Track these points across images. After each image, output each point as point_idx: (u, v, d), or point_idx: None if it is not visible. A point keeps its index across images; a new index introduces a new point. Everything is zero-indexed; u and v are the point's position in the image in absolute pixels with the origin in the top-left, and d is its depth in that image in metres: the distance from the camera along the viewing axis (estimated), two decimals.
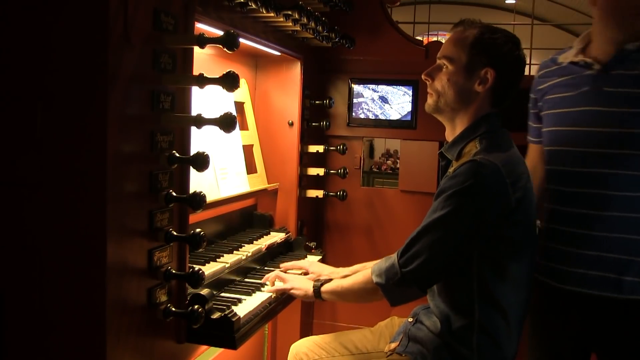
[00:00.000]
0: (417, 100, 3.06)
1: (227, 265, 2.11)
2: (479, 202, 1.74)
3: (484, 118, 1.89)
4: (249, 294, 2.07)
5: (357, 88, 3.14)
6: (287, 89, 2.74)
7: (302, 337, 2.52)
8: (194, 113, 1.60)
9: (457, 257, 1.80)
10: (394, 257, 1.86)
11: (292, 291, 2.14)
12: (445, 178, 1.87)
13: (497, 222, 1.76)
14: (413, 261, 1.80)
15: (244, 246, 2.37)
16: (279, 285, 2.17)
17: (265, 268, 2.43)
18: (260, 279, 2.24)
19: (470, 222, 1.75)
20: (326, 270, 2.27)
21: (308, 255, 2.66)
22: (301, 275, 2.30)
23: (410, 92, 3.08)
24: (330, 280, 2.12)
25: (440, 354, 1.87)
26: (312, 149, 2.88)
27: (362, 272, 1.98)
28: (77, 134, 1.37)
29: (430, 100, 1.96)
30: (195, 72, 1.60)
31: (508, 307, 1.82)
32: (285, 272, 2.29)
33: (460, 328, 1.83)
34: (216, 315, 1.75)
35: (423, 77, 1.97)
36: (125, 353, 1.46)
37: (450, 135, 1.98)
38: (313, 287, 2.10)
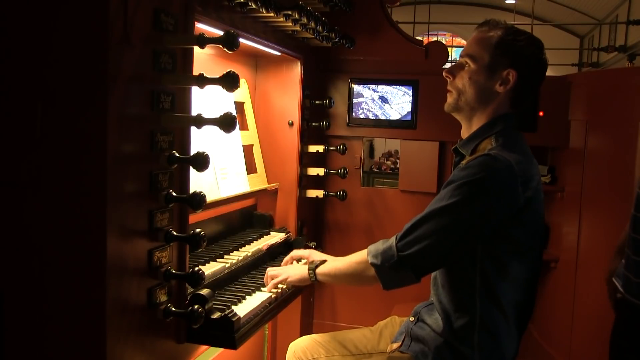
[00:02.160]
0: (417, 100, 3.06)
1: (227, 265, 2.11)
2: (488, 196, 1.73)
3: (501, 117, 1.88)
4: (249, 294, 2.07)
5: (357, 88, 3.14)
6: (287, 89, 2.74)
7: (302, 336, 2.51)
8: (194, 113, 1.60)
9: (458, 248, 1.78)
10: (392, 240, 1.84)
11: (288, 280, 2.14)
12: (456, 169, 1.86)
13: (503, 219, 1.75)
14: (412, 246, 1.78)
15: (244, 246, 2.37)
16: (275, 280, 2.16)
17: (266, 268, 2.43)
18: (261, 279, 2.24)
19: (477, 215, 1.74)
20: (325, 259, 2.26)
21: None
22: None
23: (410, 92, 3.09)
24: (325, 261, 2.11)
25: (441, 353, 1.87)
26: (312, 149, 2.88)
27: (358, 253, 1.97)
28: (77, 134, 1.37)
29: (450, 99, 1.94)
30: (195, 72, 1.60)
31: (507, 305, 1.81)
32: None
33: (462, 326, 1.83)
34: (216, 315, 1.75)
35: (444, 74, 1.96)
36: (125, 353, 1.46)
37: (466, 133, 1.96)
38: (308, 269, 2.10)
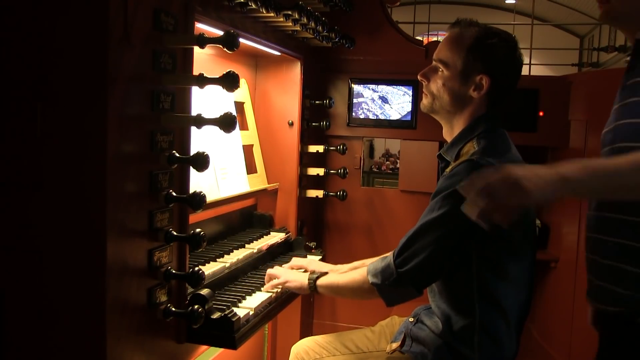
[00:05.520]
0: (417, 100, 3.06)
1: (227, 265, 2.11)
2: None
3: (481, 118, 1.90)
4: (249, 294, 2.07)
5: (357, 88, 3.14)
6: (287, 89, 2.74)
7: (302, 337, 2.51)
8: (194, 113, 1.60)
9: (454, 257, 1.79)
10: (389, 257, 1.86)
11: (286, 284, 2.13)
12: (442, 178, 1.87)
13: None
14: (409, 261, 1.80)
15: (244, 246, 2.37)
16: (273, 282, 2.16)
17: (266, 268, 2.43)
18: (261, 278, 2.24)
19: (467, 222, 1.74)
20: (325, 269, 2.27)
21: (308, 255, 2.66)
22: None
23: (410, 92, 3.09)
24: (326, 273, 2.12)
25: (441, 354, 1.87)
26: (312, 149, 2.88)
27: (359, 271, 1.98)
28: (77, 134, 1.37)
29: (425, 101, 1.98)
30: (195, 72, 1.60)
31: (508, 308, 1.82)
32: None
33: (462, 328, 1.83)
34: (216, 315, 1.75)
35: (419, 77, 1.99)
36: (125, 353, 1.46)
37: (448, 136, 1.99)
38: (308, 279, 2.10)
